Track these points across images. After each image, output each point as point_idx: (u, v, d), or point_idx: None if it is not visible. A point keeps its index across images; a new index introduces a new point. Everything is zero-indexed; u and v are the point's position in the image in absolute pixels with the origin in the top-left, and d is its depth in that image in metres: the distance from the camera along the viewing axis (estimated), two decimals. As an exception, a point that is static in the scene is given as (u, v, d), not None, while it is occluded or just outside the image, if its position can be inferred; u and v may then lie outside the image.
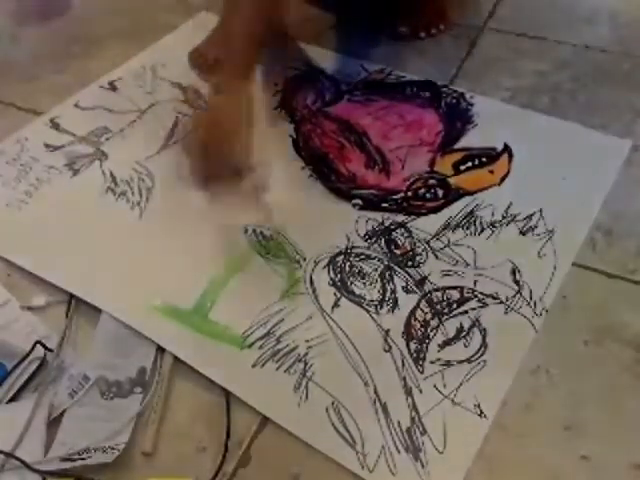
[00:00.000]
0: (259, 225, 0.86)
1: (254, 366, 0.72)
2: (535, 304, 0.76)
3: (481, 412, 0.67)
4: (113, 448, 0.64)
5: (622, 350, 0.72)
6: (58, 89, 1.10)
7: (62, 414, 0.68)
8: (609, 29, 1.19)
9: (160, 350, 0.73)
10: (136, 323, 0.76)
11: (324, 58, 1.14)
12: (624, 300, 0.77)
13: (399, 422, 0.67)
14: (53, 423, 0.67)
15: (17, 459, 0.64)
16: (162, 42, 1.19)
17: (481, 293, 0.77)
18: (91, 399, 0.69)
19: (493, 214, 0.86)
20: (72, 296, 0.79)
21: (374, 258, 0.82)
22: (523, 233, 0.84)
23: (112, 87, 1.09)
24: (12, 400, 0.69)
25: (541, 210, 0.86)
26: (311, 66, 1.12)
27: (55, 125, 1.03)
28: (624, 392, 0.69)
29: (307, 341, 0.74)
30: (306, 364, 0.72)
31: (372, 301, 0.78)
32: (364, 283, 0.79)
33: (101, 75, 1.12)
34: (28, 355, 0.72)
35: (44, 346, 0.73)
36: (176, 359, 0.73)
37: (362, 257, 0.82)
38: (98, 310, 0.77)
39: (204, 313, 0.77)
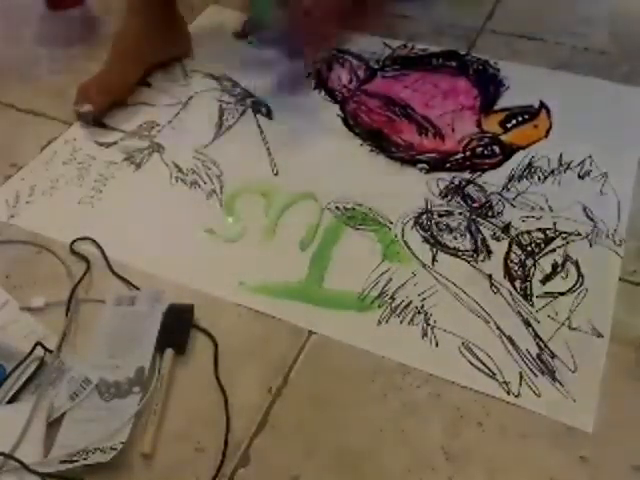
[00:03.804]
0: (338, 201, 0.89)
1: (379, 323, 0.76)
2: (613, 235, 0.84)
3: (597, 333, 0.74)
4: (112, 448, 0.64)
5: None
6: (57, 90, 1.09)
7: (62, 416, 0.67)
8: (609, 31, 1.19)
9: (159, 350, 0.73)
10: (250, 303, 0.78)
11: (345, 39, 1.18)
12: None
13: (528, 350, 0.73)
14: (53, 425, 0.67)
15: (16, 460, 0.63)
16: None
17: (563, 232, 0.85)
18: (91, 401, 0.68)
19: (549, 163, 0.94)
20: (71, 297, 0.78)
21: (455, 213, 0.88)
22: (581, 177, 0.92)
23: (145, 83, 1.09)
24: (11, 401, 0.69)
25: (590, 156, 0.94)
26: (336, 48, 1.16)
27: (100, 124, 1.02)
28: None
29: (419, 294, 0.79)
30: (426, 314, 0.77)
31: (467, 251, 0.83)
32: (454, 237, 0.85)
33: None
34: (28, 356, 0.71)
35: (44, 347, 0.72)
36: (175, 360, 0.73)
37: (444, 214, 0.88)
38: (97, 311, 0.77)
39: (319, 283, 0.80)
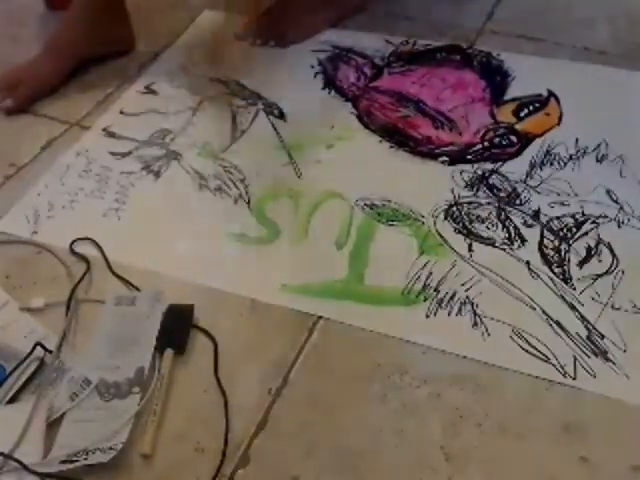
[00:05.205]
0: (366, 198, 0.90)
1: (427, 317, 0.77)
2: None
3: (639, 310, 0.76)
4: (111, 448, 0.64)
5: None
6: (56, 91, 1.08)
7: (62, 416, 0.67)
8: (608, 31, 1.19)
9: (159, 350, 0.73)
10: (295, 304, 0.77)
11: (345, 37, 1.18)
12: None
13: (577, 333, 0.74)
14: (53, 425, 0.66)
15: (15, 461, 0.63)
16: (178, 44, 1.18)
17: (591, 215, 0.86)
18: (90, 401, 0.68)
19: (567, 150, 0.96)
20: (71, 297, 0.78)
21: (484, 203, 0.89)
22: (600, 161, 0.94)
23: (151, 91, 1.07)
24: (11, 401, 0.68)
25: (605, 140, 0.97)
26: (337, 46, 1.16)
27: (111, 134, 1.00)
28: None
29: (462, 285, 0.79)
30: (472, 304, 0.77)
31: (501, 240, 0.84)
32: (486, 226, 0.86)
33: (100, 78, 1.10)
34: (28, 356, 0.71)
35: (44, 347, 0.72)
36: (175, 360, 0.72)
37: (473, 205, 0.89)
38: (97, 311, 0.77)
39: (360, 281, 0.80)
